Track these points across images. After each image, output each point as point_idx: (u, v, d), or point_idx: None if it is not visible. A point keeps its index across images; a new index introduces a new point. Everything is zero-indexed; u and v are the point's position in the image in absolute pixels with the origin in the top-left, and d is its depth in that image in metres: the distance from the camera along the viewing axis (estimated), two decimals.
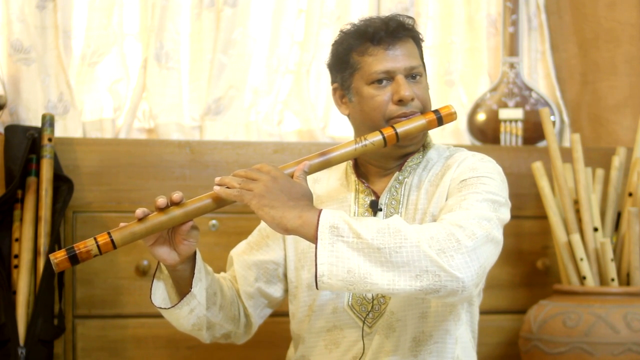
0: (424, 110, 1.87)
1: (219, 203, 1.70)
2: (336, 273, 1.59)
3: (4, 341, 2.27)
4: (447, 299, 1.63)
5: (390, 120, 1.84)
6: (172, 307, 1.80)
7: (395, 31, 1.85)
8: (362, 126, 1.90)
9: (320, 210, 1.63)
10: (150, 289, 1.82)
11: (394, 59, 1.84)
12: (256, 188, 1.66)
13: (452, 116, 1.84)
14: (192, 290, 1.78)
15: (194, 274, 1.78)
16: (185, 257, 1.76)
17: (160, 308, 1.82)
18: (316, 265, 1.59)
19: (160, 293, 1.82)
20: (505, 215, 1.78)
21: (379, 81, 1.85)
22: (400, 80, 1.84)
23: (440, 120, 1.83)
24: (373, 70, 1.85)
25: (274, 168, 1.70)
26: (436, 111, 1.84)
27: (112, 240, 1.66)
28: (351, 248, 1.59)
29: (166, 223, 1.69)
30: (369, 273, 1.58)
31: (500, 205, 1.76)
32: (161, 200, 1.68)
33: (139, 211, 1.68)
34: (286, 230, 1.64)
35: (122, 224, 1.70)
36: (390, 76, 1.85)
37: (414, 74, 1.86)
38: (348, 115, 1.94)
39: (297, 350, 1.96)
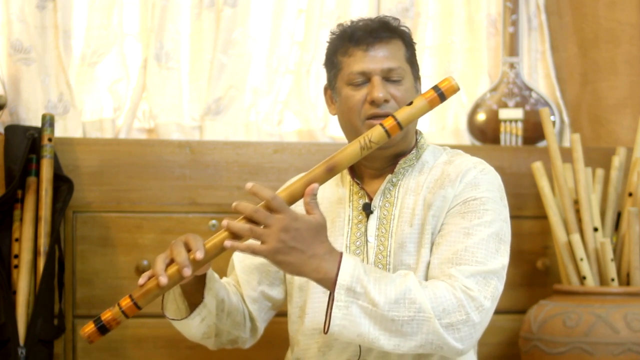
0: None
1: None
2: (347, 334, 1.65)
3: (4, 341, 2.27)
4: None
5: (366, 120, 1.83)
6: (185, 317, 1.79)
7: (375, 32, 1.84)
8: (344, 127, 1.90)
9: (340, 262, 1.64)
10: (162, 301, 1.81)
11: (372, 60, 1.83)
12: (268, 240, 1.61)
13: (453, 88, 1.73)
14: (204, 300, 1.78)
15: (204, 283, 1.77)
16: (198, 276, 1.76)
17: (173, 320, 1.82)
18: (329, 319, 1.64)
19: (170, 304, 1.82)
20: (507, 237, 1.81)
21: (357, 82, 1.84)
22: (375, 81, 1.82)
23: (442, 97, 1.73)
24: (350, 70, 1.84)
25: (283, 212, 1.61)
26: (436, 87, 1.73)
27: (135, 304, 1.64)
28: (365, 313, 1.64)
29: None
30: (377, 338, 1.65)
31: (505, 233, 1.79)
32: (187, 271, 1.61)
33: (163, 280, 1.61)
34: (305, 279, 1.72)
35: (141, 281, 1.65)
36: (366, 77, 1.83)
37: (394, 76, 1.84)
38: (336, 115, 1.94)
39: (292, 353, 1.96)
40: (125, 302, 1.65)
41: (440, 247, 1.78)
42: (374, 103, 1.82)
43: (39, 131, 2.48)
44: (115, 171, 2.56)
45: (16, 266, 2.35)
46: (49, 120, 2.47)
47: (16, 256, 2.36)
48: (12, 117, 2.72)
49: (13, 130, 2.48)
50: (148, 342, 2.54)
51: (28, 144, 2.45)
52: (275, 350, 2.39)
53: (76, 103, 2.80)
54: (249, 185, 1.62)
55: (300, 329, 1.91)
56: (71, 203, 2.48)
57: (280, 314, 2.08)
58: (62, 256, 2.43)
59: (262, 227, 1.62)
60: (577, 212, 2.62)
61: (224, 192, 2.61)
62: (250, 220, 1.62)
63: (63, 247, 2.48)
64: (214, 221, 2.57)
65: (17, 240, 2.38)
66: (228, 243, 1.61)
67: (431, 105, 1.73)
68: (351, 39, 1.85)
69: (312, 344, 1.89)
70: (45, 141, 2.45)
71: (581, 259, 2.56)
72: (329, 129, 3.01)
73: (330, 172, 1.70)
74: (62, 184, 2.46)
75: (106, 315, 1.64)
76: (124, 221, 2.56)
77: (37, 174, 2.43)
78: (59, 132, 2.71)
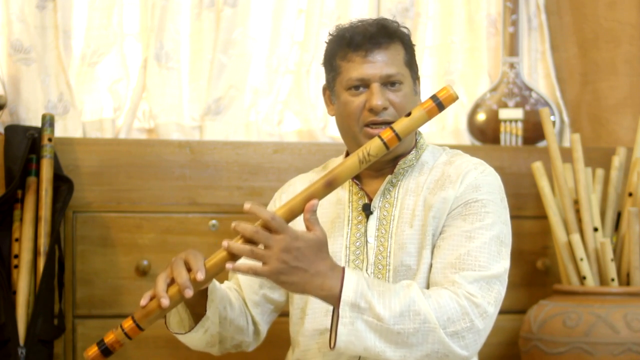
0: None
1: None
2: (353, 349, 1.66)
3: (4, 341, 2.27)
4: None
5: (364, 127, 1.83)
6: (189, 331, 1.79)
7: (374, 37, 1.83)
8: (342, 130, 1.90)
9: (342, 279, 1.64)
10: (165, 316, 1.79)
11: (370, 66, 1.82)
12: (270, 261, 1.60)
13: (451, 97, 1.70)
14: (207, 313, 1.77)
15: (206, 295, 1.76)
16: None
17: (176, 333, 1.81)
18: (335, 335, 1.64)
19: (173, 316, 1.81)
20: (508, 239, 1.81)
21: (356, 88, 1.83)
22: (374, 88, 1.81)
23: (440, 106, 1.71)
24: (349, 76, 1.83)
25: (283, 232, 1.60)
26: (434, 97, 1.71)
27: (137, 325, 1.63)
28: (370, 328, 1.64)
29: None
30: (383, 351, 1.66)
31: (505, 236, 1.79)
32: (188, 292, 1.61)
33: (165, 302, 1.61)
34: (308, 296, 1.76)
35: (143, 302, 1.63)
36: (365, 84, 1.83)
37: (393, 82, 1.83)
38: (334, 116, 1.94)
39: (293, 354, 1.96)
40: (128, 323, 1.64)
41: (442, 251, 1.78)
42: (372, 111, 1.82)
43: (39, 131, 2.48)
44: (115, 171, 2.56)
45: (16, 266, 2.35)
46: (49, 120, 2.47)
47: (16, 256, 2.36)
48: (12, 117, 2.72)
49: (13, 130, 2.49)
50: (148, 342, 2.53)
51: (28, 144, 2.45)
52: (276, 350, 2.39)
53: (76, 103, 2.80)
54: (247, 206, 1.61)
55: (300, 330, 1.91)
56: (71, 203, 2.48)
57: (281, 314, 2.09)
58: (62, 256, 2.43)
59: (262, 247, 1.61)
60: (577, 212, 2.62)
61: (224, 192, 2.61)
62: (251, 240, 1.62)
63: (63, 247, 2.48)
64: (214, 221, 2.57)
65: (17, 240, 2.38)
66: (229, 265, 1.61)
67: (430, 115, 1.72)
68: (350, 44, 1.84)
69: (312, 344, 1.89)
70: (45, 141, 2.45)
71: (581, 259, 2.56)
72: (329, 129, 3.01)
73: (330, 186, 1.68)
74: (62, 184, 2.46)
75: (109, 338, 1.64)
76: (124, 221, 2.56)
77: (37, 174, 2.43)
78: (59, 132, 2.71)
